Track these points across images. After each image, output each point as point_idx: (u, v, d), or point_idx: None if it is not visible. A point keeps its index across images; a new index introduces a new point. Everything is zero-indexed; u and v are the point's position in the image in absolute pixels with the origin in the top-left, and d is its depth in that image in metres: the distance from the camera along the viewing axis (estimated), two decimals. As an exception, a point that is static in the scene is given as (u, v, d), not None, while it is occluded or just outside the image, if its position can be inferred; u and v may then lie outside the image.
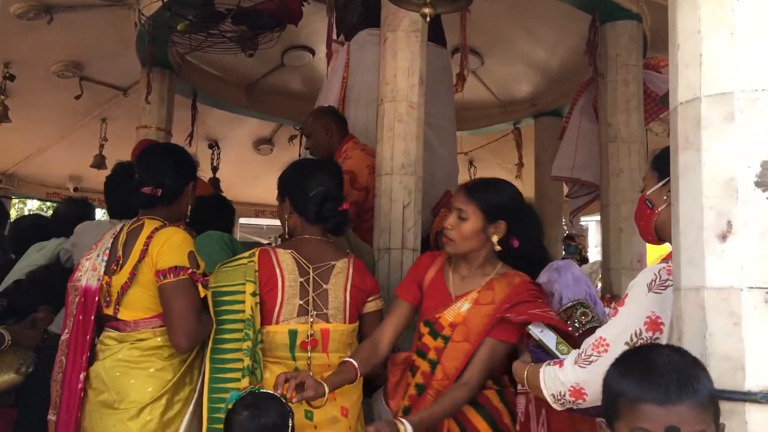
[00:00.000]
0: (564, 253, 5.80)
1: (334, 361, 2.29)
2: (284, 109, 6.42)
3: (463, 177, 6.34)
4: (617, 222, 3.99)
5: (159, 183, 2.36)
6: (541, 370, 1.82)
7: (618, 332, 1.65)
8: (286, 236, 2.54)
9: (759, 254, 1.30)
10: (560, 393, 1.74)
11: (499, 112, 6.39)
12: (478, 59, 5.50)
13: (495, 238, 2.20)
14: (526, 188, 6.66)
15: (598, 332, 1.71)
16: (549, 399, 1.78)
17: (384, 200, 3.33)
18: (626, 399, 1.25)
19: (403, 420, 1.96)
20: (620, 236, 3.97)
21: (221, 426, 1.91)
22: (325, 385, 2.04)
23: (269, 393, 1.93)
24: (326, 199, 2.43)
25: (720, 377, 1.30)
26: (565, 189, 5.53)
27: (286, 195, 2.52)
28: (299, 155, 5.44)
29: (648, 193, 1.86)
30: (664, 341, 1.61)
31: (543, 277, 2.34)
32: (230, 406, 1.87)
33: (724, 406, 1.29)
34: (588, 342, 1.72)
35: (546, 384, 1.78)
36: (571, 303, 2.25)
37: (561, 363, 1.77)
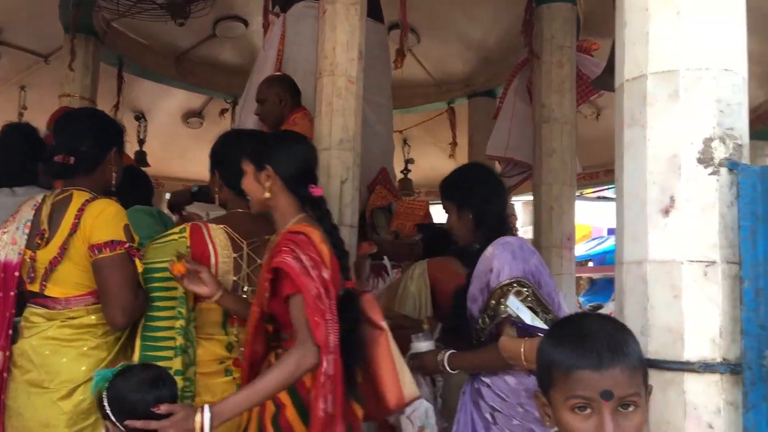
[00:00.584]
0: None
1: None
2: (215, 82, 6.25)
3: (398, 155, 6.35)
4: (549, 201, 4.06)
5: (72, 150, 2.23)
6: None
7: None
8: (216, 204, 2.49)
9: (700, 229, 1.34)
10: None
11: (433, 90, 6.40)
12: (414, 37, 5.48)
13: (268, 185, 2.13)
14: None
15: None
16: None
17: (321, 176, 3.28)
18: (560, 367, 1.26)
19: (204, 407, 1.73)
20: (551, 215, 4.05)
21: None
22: (220, 289, 2.14)
23: (148, 363, 1.92)
24: None
25: (660, 348, 1.34)
26: (498, 168, 5.61)
27: (216, 167, 2.46)
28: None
29: None
30: None
31: (488, 251, 2.35)
32: (109, 381, 1.76)
33: (664, 375, 1.33)
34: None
35: None
36: (508, 280, 2.27)
37: None
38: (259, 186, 2.16)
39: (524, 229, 9.00)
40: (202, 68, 6.16)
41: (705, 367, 1.30)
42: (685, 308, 1.32)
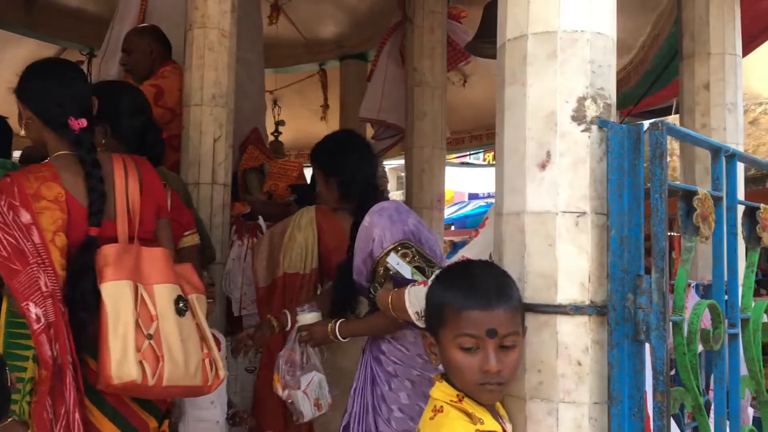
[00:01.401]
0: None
1: None
2: (70, 31, 5.80)
3: (268, 116, 6.23)
4: (420, 164, 4.17)
5: None
6: (406, 291, 1.89)
7: (479, 251, 1.78)
8: None
9: (572, 182, 1.43)
10: (424, 309, 1.82)
11: (304, 51, 6.32)
12: (285, -5, 5.38)
13: (24, 122, 2.08)
14: (332, 131, 6.72)
15: (461, 252, 1.81)
16: (413, 317, 1.85)
17: (193, 133, 3.18)
18: (451, 308, 1.36)
19: None
20: (422, 177, 4.17)
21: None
22: None
23: None
24: (148, 126, 2.28)
25: (536, 293, 1.43)
26: (371, 131, 5.66)
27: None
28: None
29: None
30: None
31: (366, 221, 2.38)
32: None
33: (539, 318, 1.42)
34: (451, 261, 1.81)
35: (411, 302, 1.85)
36: (392, 245, 2.32)
37: (425, 282, 1.84)
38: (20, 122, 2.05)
39: (392, 194, 9.18)
40: (55, 16, 5.69)
41: (575, 310, 1.40)
42: (558, 256, 1.42)
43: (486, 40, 3.78)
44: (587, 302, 1.41)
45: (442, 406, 1.37)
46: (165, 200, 2.15)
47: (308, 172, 4.64)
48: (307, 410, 2.31)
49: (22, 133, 2.04)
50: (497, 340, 1.32)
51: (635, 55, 4.57)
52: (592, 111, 1.44)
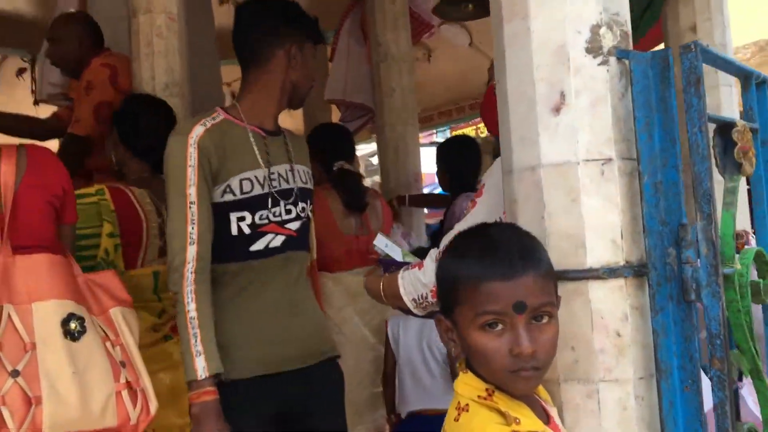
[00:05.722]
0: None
1: None
2: (10, 37, 5.46)
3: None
4: (394, 142, 3.96)
5: None
6: (400, 276, 1.67)
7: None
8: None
9: (591, 125, 1.23)
10: (422, 296, 1.61)
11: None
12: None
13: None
14: (295, 116, 6.45)
15: (457, 226, 1.58)
16: (410, 305, 1.64)
17: (148, 125, 2.93)
18: (467, 282, 1.10)
19: None
20: (398, 155, 3.96)
21: None
22: None
23: None
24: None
25: (561, 257, 1.22)
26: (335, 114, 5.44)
27: (115, 124, 2.49)
28: (32, 91, 4.69)
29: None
30: None
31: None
32: None
33: (567, 286, 1.22)
34: (447, 239, 1.59)
35: (406, 289, 1.64)
36: None
37: (420, 265, 1.63)
38: None
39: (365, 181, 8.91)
40: (-8, 22, 5.35)
41: (609, 273, 1.19)
42: (584, 212, 1.21)
43: (453, 1, 3.58)
44: (622, 263, 1.21)
45: (468, 404, 1.12)
46: (67, 195, 1.77)
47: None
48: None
49: None
50: (527, 315, 1.07)
51: None
52: (608, 40, 1.23)
